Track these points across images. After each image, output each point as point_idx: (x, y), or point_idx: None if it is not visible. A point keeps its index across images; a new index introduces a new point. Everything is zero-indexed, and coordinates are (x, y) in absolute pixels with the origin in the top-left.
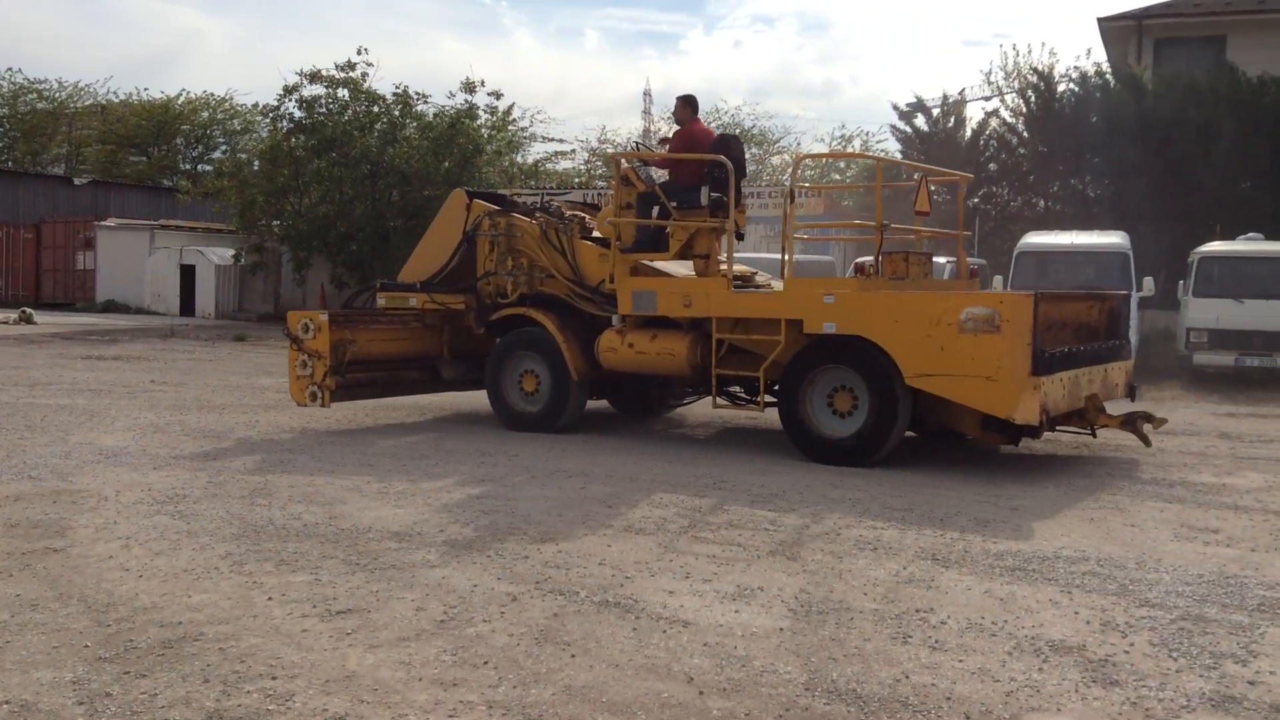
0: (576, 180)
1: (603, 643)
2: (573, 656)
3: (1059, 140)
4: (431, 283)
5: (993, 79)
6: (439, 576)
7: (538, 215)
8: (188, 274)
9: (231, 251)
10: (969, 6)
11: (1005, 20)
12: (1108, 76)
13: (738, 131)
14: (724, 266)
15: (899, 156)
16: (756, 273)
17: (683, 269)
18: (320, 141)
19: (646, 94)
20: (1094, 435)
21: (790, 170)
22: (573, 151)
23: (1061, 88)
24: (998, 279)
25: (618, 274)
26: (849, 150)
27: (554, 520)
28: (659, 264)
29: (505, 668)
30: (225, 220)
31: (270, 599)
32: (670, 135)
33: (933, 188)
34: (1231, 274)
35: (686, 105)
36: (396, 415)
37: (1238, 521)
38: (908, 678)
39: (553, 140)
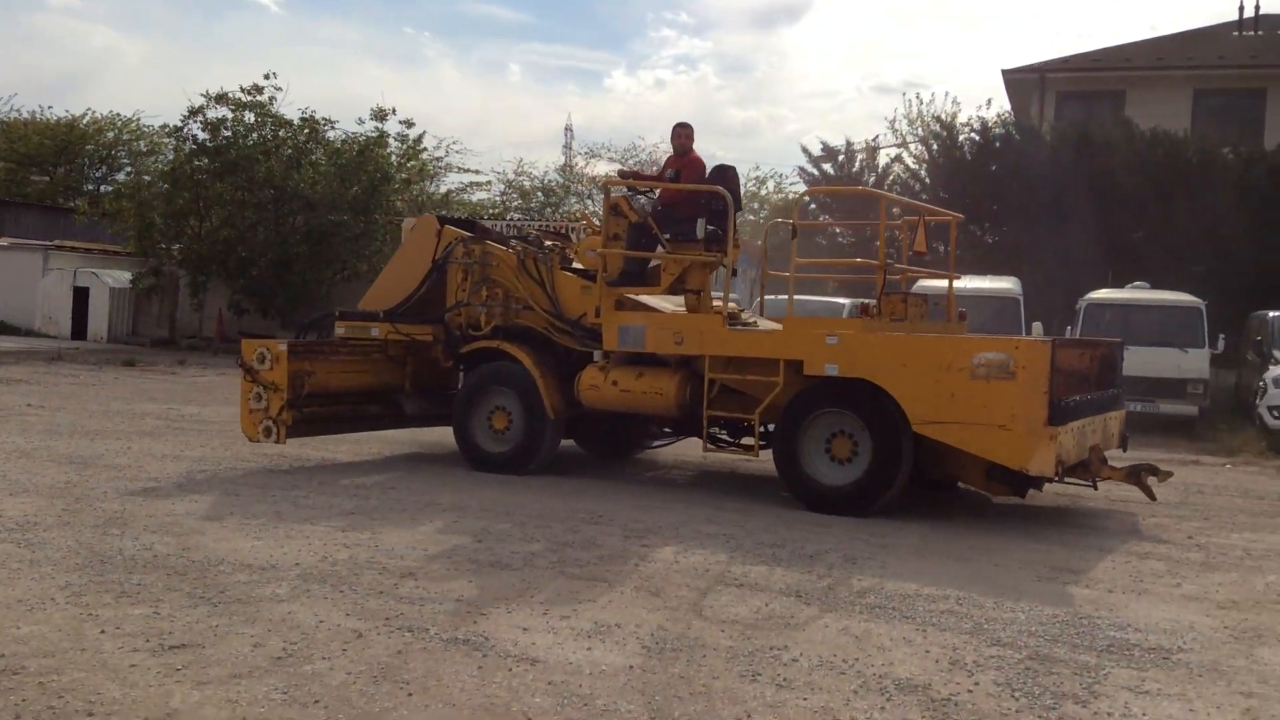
0: (492, 211)
1: (444, 681)
2: (409, 695)
3: (960, 187)
4: (396, 312)
5: (897, 126)
6: (285, 611)
7: (514, 244)
8: (81, 296)
9: (128, 274)
10: (883, 55)
11: (917, 69)
12: (1010, 127)
13: (653, 170)
14: (718, 303)
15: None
16: (743, 310)
17: (668, 304)
18: (223, 164)
19: (568, 129)
20: (1095, 488)
21: (793, 208)
22: (488, 183)
23: (962, 137)
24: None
25: (604, 307)
26: (763, 191)
27: (417, 554)
28: (644, 299)
29: (336, 707)
30: (123, 242)
31: (103, 632)
32: (659, 164)
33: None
34: (1118, 320)
35: (685, 132)
36: (284, 448)
37: (1101, 563)
38: (749, 716)
39: (468, 171)
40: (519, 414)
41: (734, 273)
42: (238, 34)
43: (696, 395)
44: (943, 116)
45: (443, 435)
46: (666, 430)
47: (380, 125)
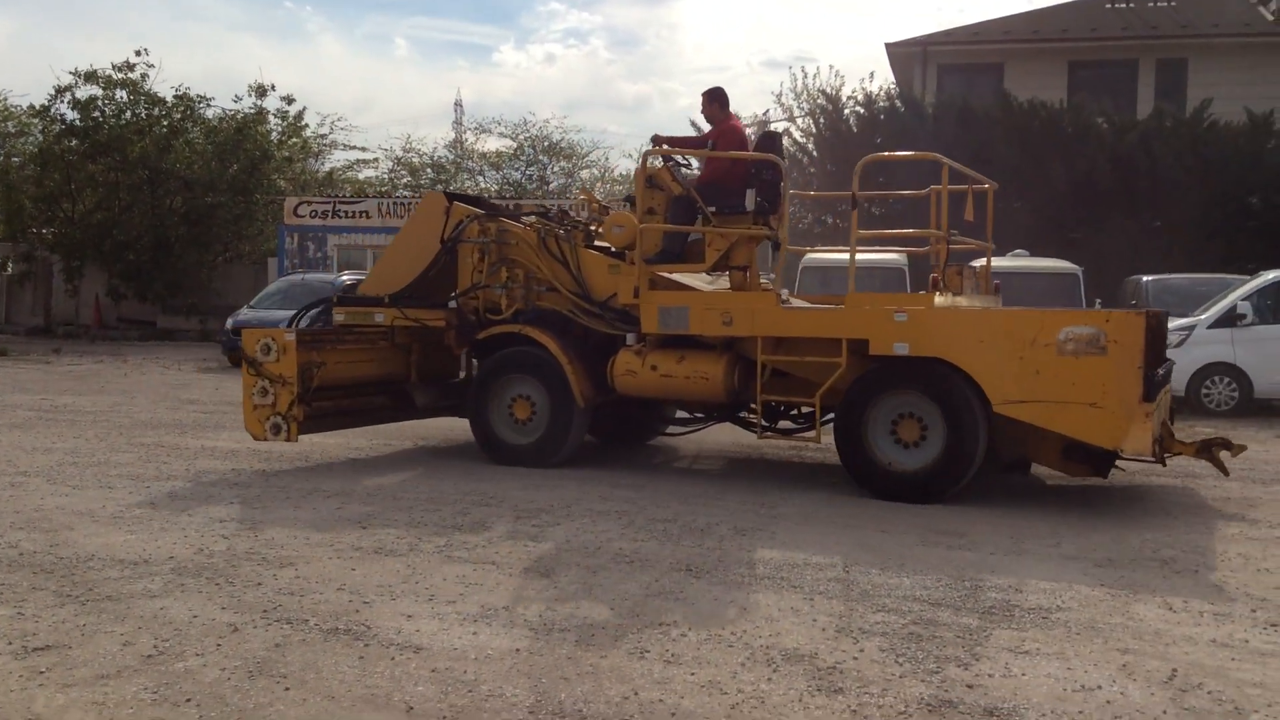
0: (382, 189)
1: (323, 674)
2: (286, 690)
3: (846, 161)
4: (402, 296)
5: (784, 100)
6: (157, 607)
7: (534, 221)
8: None
9: None
10: (771, 29)
11: (804, 43)
12: (894, 100)
13: (546, 145)
14: (767, 280)
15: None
16: (772, 285)
17: (699, 282)
18: (94, 145)
19: (458, 104)
20: (1164, 464)
21: (855, 178)
22: (375, 160)
23: (847, 110)
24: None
25: (641, 288)
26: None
27: (298, 544)
28: (678, 277)
29: (209, 705)
30: None
31: None
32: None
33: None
34: (1002, 287)
35: (715, 101)
36: (158, 436)
37: (983, 526)
38: (636, 694)
39: (355, 148)
40: (544, 403)
41: (777, 246)
42: (108, 9)
43: (744, 379)
44: (828, 90)
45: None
46: (697, 415)
47: (259, 102)
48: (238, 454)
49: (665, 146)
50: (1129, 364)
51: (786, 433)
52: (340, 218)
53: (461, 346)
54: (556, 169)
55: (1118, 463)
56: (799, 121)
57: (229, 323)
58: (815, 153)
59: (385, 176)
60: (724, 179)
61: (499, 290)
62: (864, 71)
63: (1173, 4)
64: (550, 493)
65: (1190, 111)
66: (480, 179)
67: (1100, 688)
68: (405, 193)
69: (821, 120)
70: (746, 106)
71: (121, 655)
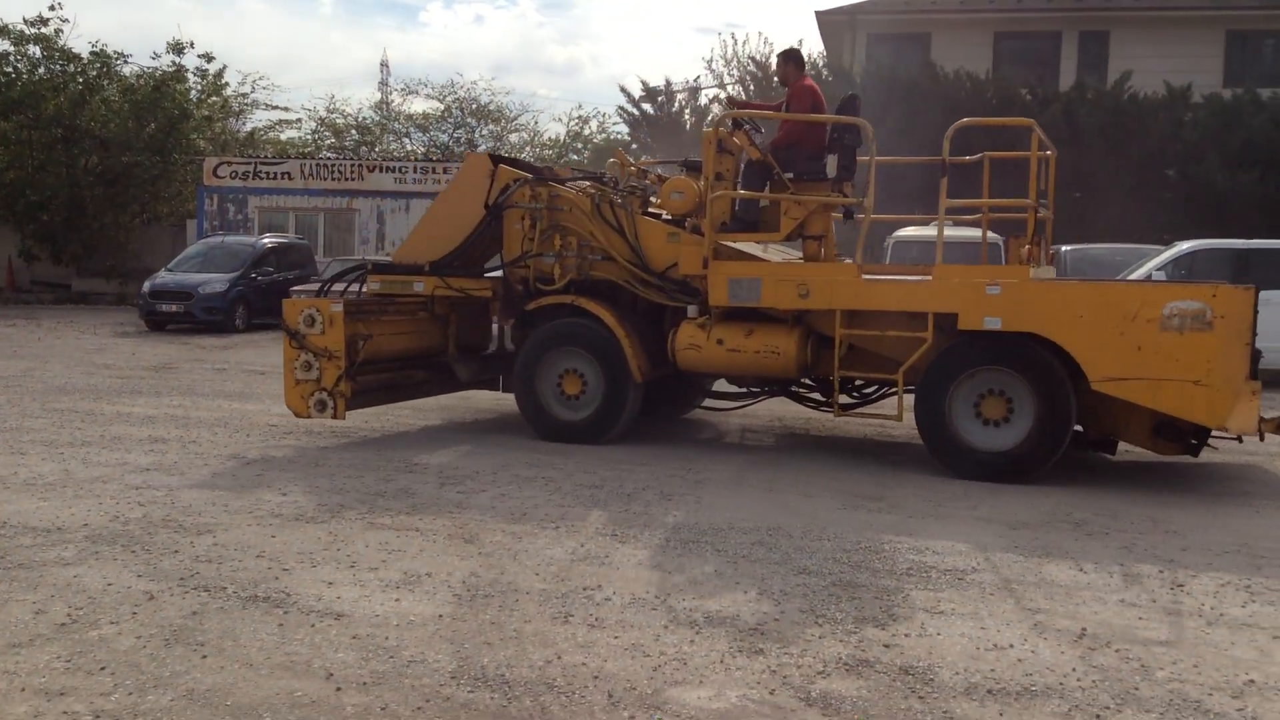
0: (305, 150)
1: (241, 641)
2: (204, 658)
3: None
4: (444, 264)
5: (714, 67)
6: (70, 575)
7: (587, 186)
8: None
9: None
10: None
11: (736, 9)
12: (823, 69)
13: (474, 108)
14: (837, 251)
15: (628, 139)
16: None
17: (758, 251)
18: (6, 102)
19: (384, 65)
20: (1240, 441)
21: (946, 143)
22: (299, 121)
23: (778, 78)
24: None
25: (711, 258)
26: (586, 132)
27: (216, 511)
28: (743, 247)
29: (123, 673)
30: None
31: None
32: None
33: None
34: (924, 256)
35: (790, 61)
36: (74, 401)
37: (902, 489)
38: (560, 658)
39: (277, 108)
40: (596, 377)
41: (849, 216)
42: None
43: (817, 354)
44: (757, 57)
45: (247, 385)
46: (752, 390)
47: (178, 59)
48: (155, 420)
49: (739, 110)
50: (1236, 340)
51: (855, 409)
52: (262, 179)
53: (508, 318)
54: (485, 132)
55: (1210, 441)
56: (730, 88)
57: (146, 286)
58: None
59: (308, 137)
60: (801, 142)
61: (550, 259)
62: (794, 39)
63: None
64: (476, 459)
65: (1111, 84)
66: (406, 141)
67: (1012, 646)
68: (329, 154)
69: (752, 87)
70: (678, 72)
71: (34, 624)
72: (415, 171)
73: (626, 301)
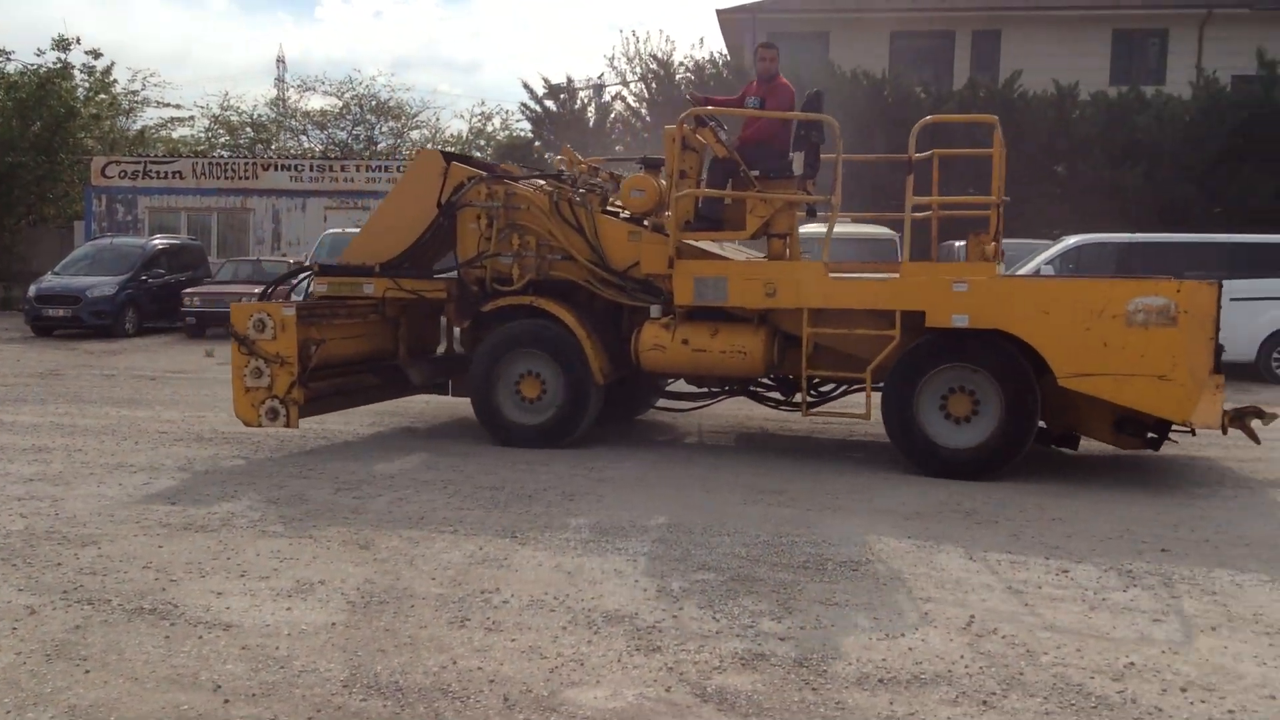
0: (198, 148)
1: (126, 655)
2: (86, 673)
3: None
4: (396, 265)
5: (616, 64)
6: None
7: (544, 183)
8: None
9: None
10: None
11: (638, 6)
12: (723, 68)
13: (374, 105)
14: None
15: (530, 135)
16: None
17: (718, 249)
18: None
19: (280, 61)
20: (1193, 434)
21: (912, 140)
22: (191, 118)
23: (679, 76)
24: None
25: (677, 257)
26: (489, 129)
27: (102, 521)
28: (704, 245)
29: (2, 691)
30: None
31: None
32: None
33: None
34: (816, 255)
35: (770, 55)
36: None
37: (803, 483)
38: (455, 663)
39: (168, 105)
40: (556, 380)
41: (812, 214)
42: None
43: (783, 353)
44: (659, 55)
45: (136, 391)
46: (712, 390)
47: (63, 56)
48: (39, 428)
49: (706, 106)
50: (1200, 335)
51: (817, 407)
52: (152, 179)
53: (463, 320)
54: (385, 129)
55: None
56: (632, 86)
57: (32, 290)
58: (649, 117)
59: (201, 135)
60: (771, 140)
61: (508, 259)
62: (697, 36)
63: None
64: (373, 463)
65: (1003, 82)
66: (304, 138)
67: (903, 636)
68: (223, 152)
69: (654, 85)
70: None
71: None
72: (312, 170)
73: (583, 301)
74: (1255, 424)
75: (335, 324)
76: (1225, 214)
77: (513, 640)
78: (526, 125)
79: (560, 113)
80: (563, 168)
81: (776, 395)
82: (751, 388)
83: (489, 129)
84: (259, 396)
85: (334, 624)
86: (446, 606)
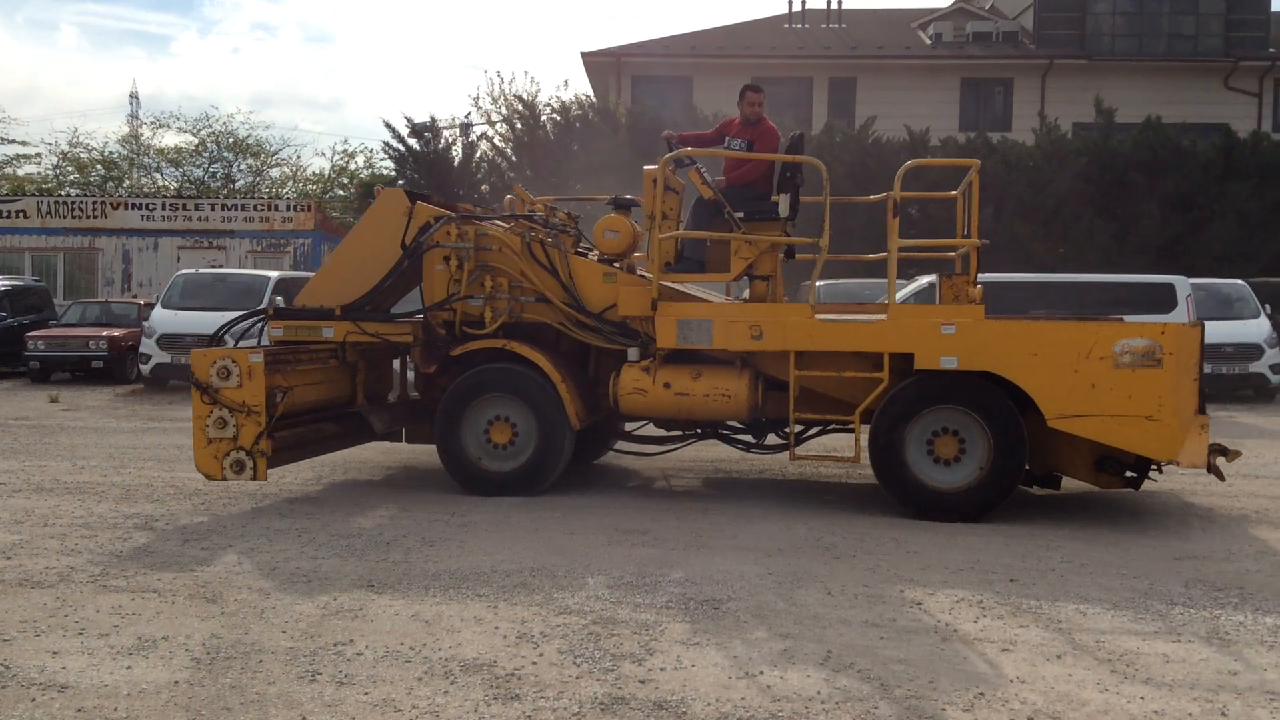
0: (45, 186)
1: None
2: None
3: (545, 167)
4: (357, 307)
5: (480, 104)
6: None
7: (515, 224)
8: None
9: None
10: (470, 33)
11: (503, 47)
12: (587, 109)
13: (231, 142)
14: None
15: (394, 174)
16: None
17: (696, 291)
18: None
19: (134, 97)
20: (1160, 471)
21: (898, 182)
22: (38, 155)
23: (544, 117)
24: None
25: (660, 299)
26: (351, 167)
27: None
28: (682, 288)
29: None
30: None
31: None
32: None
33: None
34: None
35: (757, 98)
36: None
37: (668, 522)
38: None
39: (13, 142)
40: (529, 425)
41: (791, 255)
42: None
43: (766, 396)
44: (524, 96)
45: None
46: (683, 434)
47: None
48: None
49: (686, 148)
50: (1185, 376)
51: (777, 447)
52: None
53: (430, 364)
54: (243, 166)
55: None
56: (499, 126)
57: None
58: (514, 158)
59: (50, 173)
60: (755, 182)
61: (479, 302)
62: (562, 78)
63: (843, 26)
64: (223, 512)
65: (858, 128)
66: (158, 176)
67: (762, 673)
68: (73, 190)
69: (519, 125)
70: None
71: None
72: (165, 208)
73: (549, 342)
74: (1220, 461)
75: (298, 370)
76: (1069, 254)
77: (366, 694)
78: (390, 164)
79: (424, 151)
80: (533, 209)
81: (747, 438)
82: (721, 430)
83: (352, 167)
84: (223, 448)
85: (177, 682)
86: (297, 660)
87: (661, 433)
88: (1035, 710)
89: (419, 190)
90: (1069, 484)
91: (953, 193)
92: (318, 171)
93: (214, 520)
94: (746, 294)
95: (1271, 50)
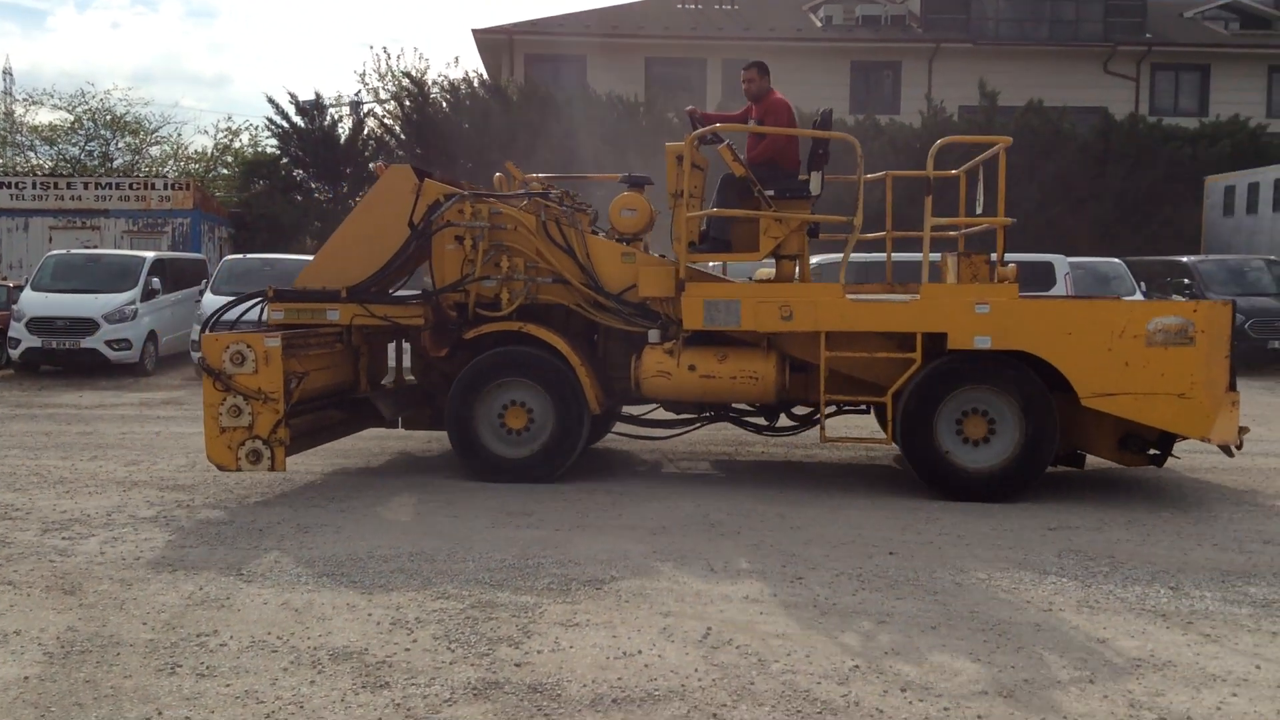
0: None
1: None
2: None
3: (435, 145)
4: (364, 289)
5: (368, 81)
6: None
7: (530, 201)
8: None
9: None
10: (359, 8)
11: (393, 23)
12: (478, 86)
13: (109, 119)
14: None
15: (278, 152)
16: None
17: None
18: None
19: (7, 73)
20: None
21: (931, 160)
22: None
23: (434, 94)
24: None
25: (687, 279)
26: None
27: None
28: (696, 266)
29: None
30: None
31: None
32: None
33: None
34: None
35: (764, 74)
36: None
37: (553, 503)
38: (160, 714)
39: None
40: (546, 410)
41: (814, 234)
42: None
43: (793, 378)
44: (413, 73)
45: None
46: (688, 417)
47: None
48: None
49: (708, 124)
50: (1217, 354)
51: (795, 431)
52: None
53: (440, 348)
54: (121, 144)
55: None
56: (388, 105)
57: None
58: (403, 135)
59: None
60: (779, 158)
61: (492, 283)
62: (451, 55)
63: (736, 7)
64: (87, 500)
65: None
66: (32, 155)
67: (640, 652)
68: None
69: (408, 102)
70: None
71: None
72: (36, 188)
73: (558, 324)
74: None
75: (310, 355)
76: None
77: (227, 686)
78: (275, 141)
79: (309, 129)
80: (537, 186)
81: (759, 420)
82: (732, 413)
83: (236, 145)
84: (237, 437)
85: (26, 677)
86: (157, 653)
87: (656, 416)
88: (908, 682)
89: (420, 167)
90: None
91: (953, 171)
92: (200, 150)
93: (77, 509)
94: (761, 274)
95: (1148, 35)
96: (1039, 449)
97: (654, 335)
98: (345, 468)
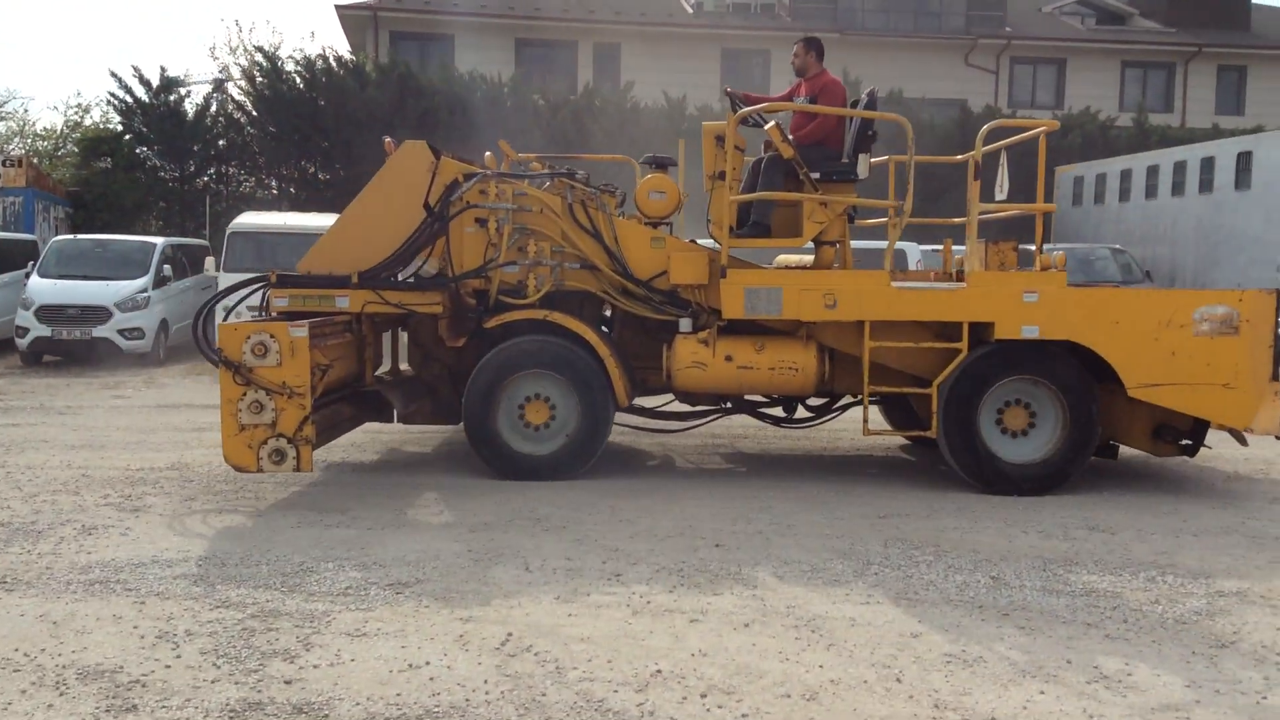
0: None
1: None
2: None
3: (289, 123)
4: (376, 274)
5: (217, 55)
6: None
7: (555, 183)
8: None
9: None
10: None
11: None
12: (334, 63)
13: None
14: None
15: (120, 129)
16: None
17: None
18: None
19: None
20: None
21: (980, 142)
22: None
23: (289, 69)
24: (210, 260)
25: (729, 266)
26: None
27: None
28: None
29: None
30: None
31: None
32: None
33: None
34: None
35: (813, 50)
36: None
37: (372, 499)
38: None
39: None
40: (570, 404)
41: (853, 219)
42: None
43: (834, 368)
44: (266, 48)
45: None
46: (704, 409)
47: None
48: None
49: (750, 104)
50: (1260, 343)
51: (807, 423)
52: None
53: (458, 337)
54: None
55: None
56: (240, 82)
57: None
58: (255, 112)
59: None
60: (825, 140)
61: (516, 268)
62: (308, 30)
63: None
64: None
65: (617, 92)
66: None
67: (428, 663)
68: None
69: (260, 79)
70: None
71: None
72: None
73: (575, 310)
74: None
75: (330, 345)
76: None
77: None
78: (115, 116)
79: (154, 104)
80: (538, 166)
81: (777, 413)
82: (750, 405)
83: (88, 122)
84: (259, 436)
85: None
86: None
87: (662, 409)
88: (710, 686)
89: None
90: (790, 443)
91: (960, 157)
92: (49, 127)
93: None
94: (781, 260)
95: (1008, 29)
96: (1082, 440)
97: (685, 324)
98: (154, 464)
